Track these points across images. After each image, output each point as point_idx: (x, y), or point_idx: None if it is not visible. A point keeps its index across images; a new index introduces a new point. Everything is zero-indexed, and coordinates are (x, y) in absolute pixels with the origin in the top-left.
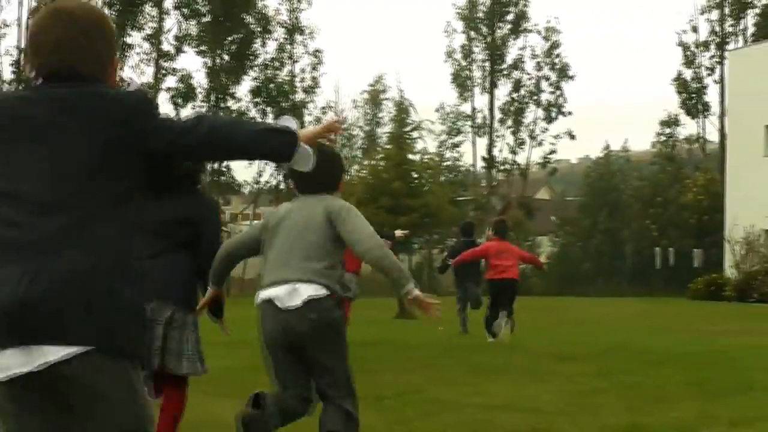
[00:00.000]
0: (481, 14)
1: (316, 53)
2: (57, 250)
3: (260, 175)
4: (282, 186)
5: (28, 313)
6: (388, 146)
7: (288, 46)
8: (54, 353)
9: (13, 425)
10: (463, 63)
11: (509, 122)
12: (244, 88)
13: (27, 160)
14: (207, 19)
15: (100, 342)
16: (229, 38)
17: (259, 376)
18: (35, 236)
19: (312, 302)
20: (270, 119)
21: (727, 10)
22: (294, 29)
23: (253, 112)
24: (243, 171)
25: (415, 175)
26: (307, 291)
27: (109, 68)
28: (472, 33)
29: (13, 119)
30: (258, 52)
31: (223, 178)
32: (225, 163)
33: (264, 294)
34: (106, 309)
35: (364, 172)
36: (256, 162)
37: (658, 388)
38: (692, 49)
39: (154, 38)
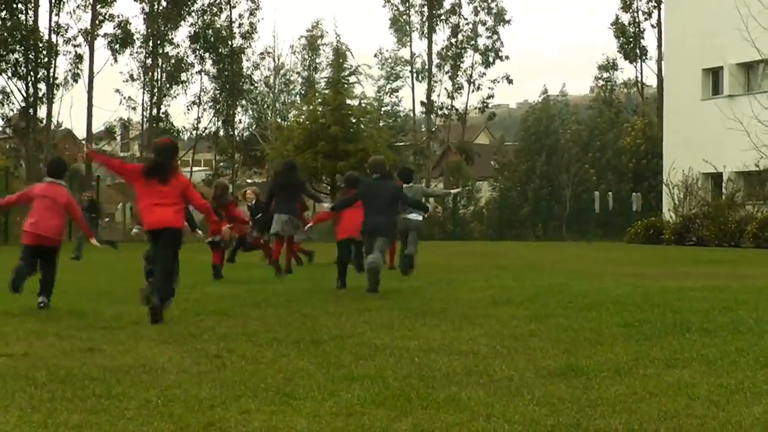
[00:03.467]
0: None
1: None
2: None
3: (199, 121)
4: (221, 132)
5: None
6: (325, 91)
7: None
8: None
9: None
10: (401, 8)
11: (447, 67)
12: (182, 34)
13: None
14: None
15: None
16: None
17: (190, 323)
18: None
19: None
20: (209, 65)
21: None
22: None
23: (192, 58)
24: (181, 117)
25: (353, 120)
26: None
27: None
28: None
29: None
30: None
31: (161, 124)
32: (163, 109)
33: None
34: None
35: (302, 117)
36: (195, 107)
37: (594, 330)
38: None
39: None
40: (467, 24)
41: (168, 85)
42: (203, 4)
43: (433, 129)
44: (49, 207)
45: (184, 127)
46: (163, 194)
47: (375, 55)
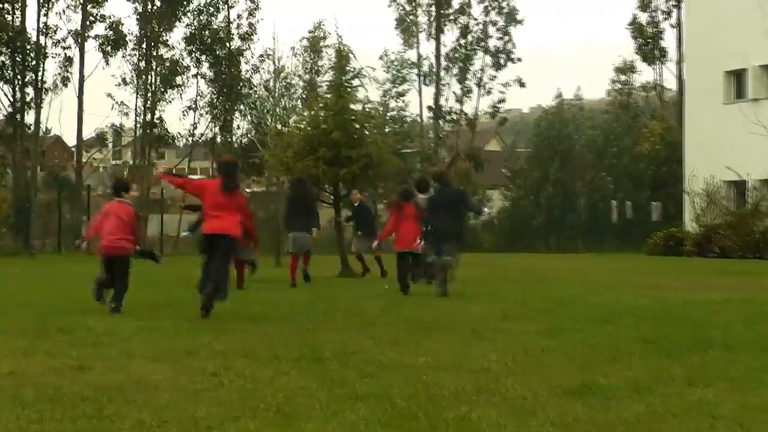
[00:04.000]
0: None
1: None
2: None
3: (195, 127)
4: (218, 138)
5: None
6: (327, 95)
7: None
8: None
9: None
10: (408, 7)
11: (456, 70)
12: (177, 36)
13: None
14: None
15: None
16: None
17: (185, 339)
18: None
19: None
20: (205, 68)
21: None
22: None
23: (187, 61)
24: (176, 123)
25: (357, 126)
26: None
27: None
28: None
29: None
30: None
31: (155, 130)
32: (157, 114)
33: None
34: None
35: (303, 123)
36: (191, 112)
37: (611, 346)
38: None
39: None
40: (477, 24)
41: (162, 89)
42: (199, 4)
43: (441, 135)
44: (117, 222)
45: (179, 134)
46: (224, 206)
47: (380, 57)
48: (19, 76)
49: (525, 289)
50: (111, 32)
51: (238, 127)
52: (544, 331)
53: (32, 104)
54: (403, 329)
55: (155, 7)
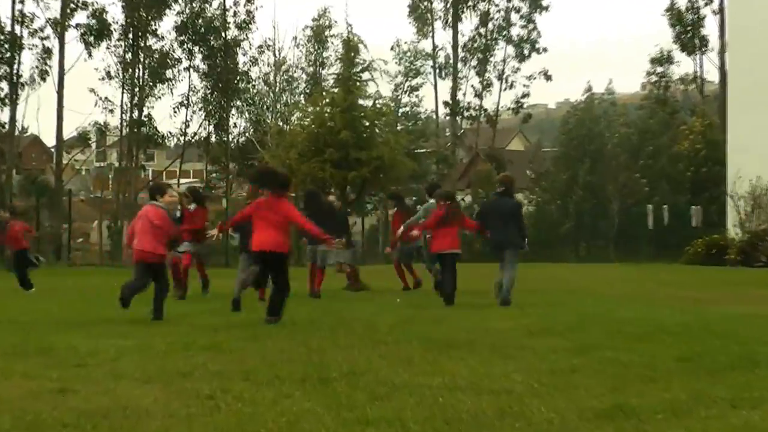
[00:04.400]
0: None
1: None
2: None
3: (187, 126)
4: (213, 138)
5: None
6: (334, 90)
7: None
8: None
9: None
10: None
11: (475, 62)
12: (167, 25)
13: None
14: None
15: None
16: None
17: (178, 359)
18: None
19: None
20: (198, 60)
21: None
22: None
23: (179, 53)
24: (166, 121)
25: (367, 124)
26: None
27: None
28: None
29: None
30: None
31: (143, 129)
32: (145, 111)
33: None
34: None
35: (308, 120)
36: (183, 109)
37: (646, 365)
38: None
39: None
40: (498, 11)
41: (151, 84)
42: None
43: (459, 133)
44: (145, 226)
45: (169, 133)
46: (269, 219)
47: (391, 48)
48: None
49: (551, 302)
50: (94, 21)
51: (235, 126)
52: (573, 348)
53: (7, 101)
54: (416, 347)
55: None
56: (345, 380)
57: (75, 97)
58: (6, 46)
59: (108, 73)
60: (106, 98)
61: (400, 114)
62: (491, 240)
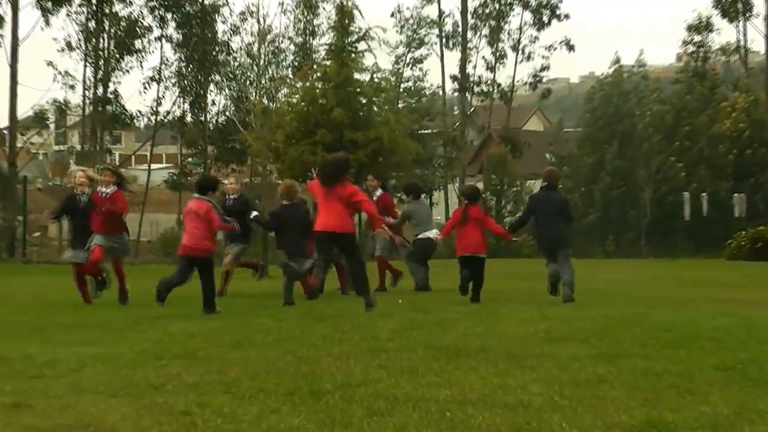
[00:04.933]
0: None
1: None
2: None
3: (159, 104)
4: (189, 117)
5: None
6: (326, 62)
7: None
8: None
9: None
10: None
11: (486, 30)
12: None
13: None
14: None
15: None
16: None
17: (149, 369)
18: None
19: None
20: (171, 29)
21: None
22: None
23: (149, 20)
24: (135, 98)
25: (363, 101)
26: None
27: None
28: None
29: None
30: None
31: (109, 107)
32: (111, 88)
33: None
34: None
35: (296, 97)
36: (154, 85)
37: (682, 375)
38: None
39: None
40: None
41: (118, 56)
42: None
43: (469, 112)
44: (193, 221)
45: (139, 112)
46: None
47: (392, 15)
48: None
49: (575, 303)
50: None
51: (213, 104)
52: (599, 356)
53: None
54: (421, 355)
55: None
56: (339, 393)
57: (30, 71)
58: None
59: (68, 44)
60: (66, 72)
61: (401, 90)
62: (541, 237)
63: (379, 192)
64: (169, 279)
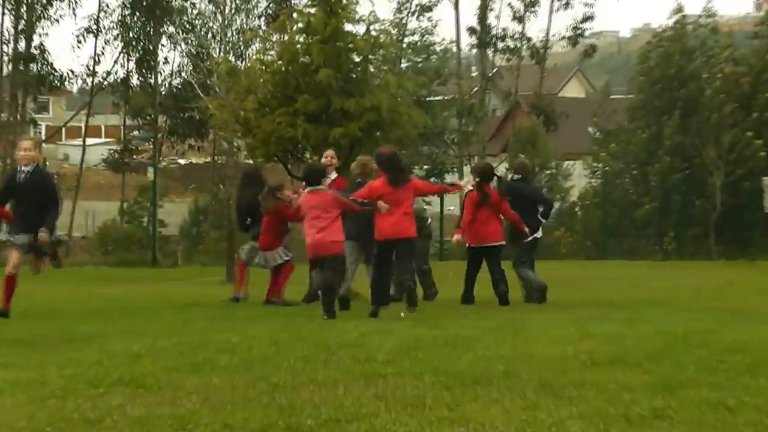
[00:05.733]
0: None
1: None
2: None
3: (97, 62)
4: (135, 80)
5: None
6: (310, 10)
7: None
8: None
9: None
10: None
11: None
12: None
13: None
14: None
15: None
16: None
17: (83, 399)
18: None
19: None
20: None
21: None
22: None
23: None
24: (67, 55)
25: (357, 59)
26: None
27: None
28: None
29: None
30: None
31: (33, 66)
32: (36, 41)
33: None
34: None
35: (272, 54)
36: (90, 38)
37: (761, 409)
38: None
39: None
40: None
41: (44, 2)
42: None
43: (491, 73)
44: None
45: (71, 72)
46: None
47: None
48: None
49: (625, 318)
50: None
51: (166, 62)
52: (656, 385)
53: None
54: (428, 383)
55: None
56: (324, 429)
57: None
58: None
59: None
60: None
61: (405, 46)
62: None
63: (333, 175)
64: (331, 285)
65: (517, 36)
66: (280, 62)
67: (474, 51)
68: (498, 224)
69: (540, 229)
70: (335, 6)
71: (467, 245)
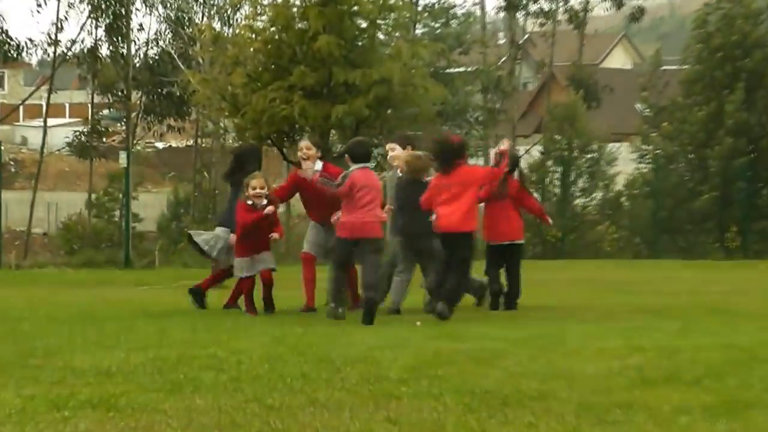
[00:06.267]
0: None
1: None
2: None
3: (60, 30)
4: (104, 50)
5: None
6: None
7: None
8: None
9: None
10: None
11: None
12: None
13: None
14: None
15: None
16: None
17: (45, 423)
18: None
19: None
20: None
21: None
22: None
23: None
24: (27, 21)
25: (363, 25)
26: None
27: None
28: None
29: None
30: None
31: None
32: None
33: None
34: None
35: (263, 19)
36: (52, 2)
37: None
38: None
39: None
40: None
41: None
42: None
43: (522, 41)
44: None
45: (30, 41)
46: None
47: None
48: None
49: (680, 328)
50: None
51: (141, 28)
52: (718, 406)
53: None
54: (450, 404)
55: None
56: None
57: None
58: None
59: None
60: None
61: (420, 8)
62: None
63: (319, 165)
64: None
65: None
66: (272, 29)
67: (501, 14)
68: (519, 216)
69: None
70: None
71: (486, 243)
